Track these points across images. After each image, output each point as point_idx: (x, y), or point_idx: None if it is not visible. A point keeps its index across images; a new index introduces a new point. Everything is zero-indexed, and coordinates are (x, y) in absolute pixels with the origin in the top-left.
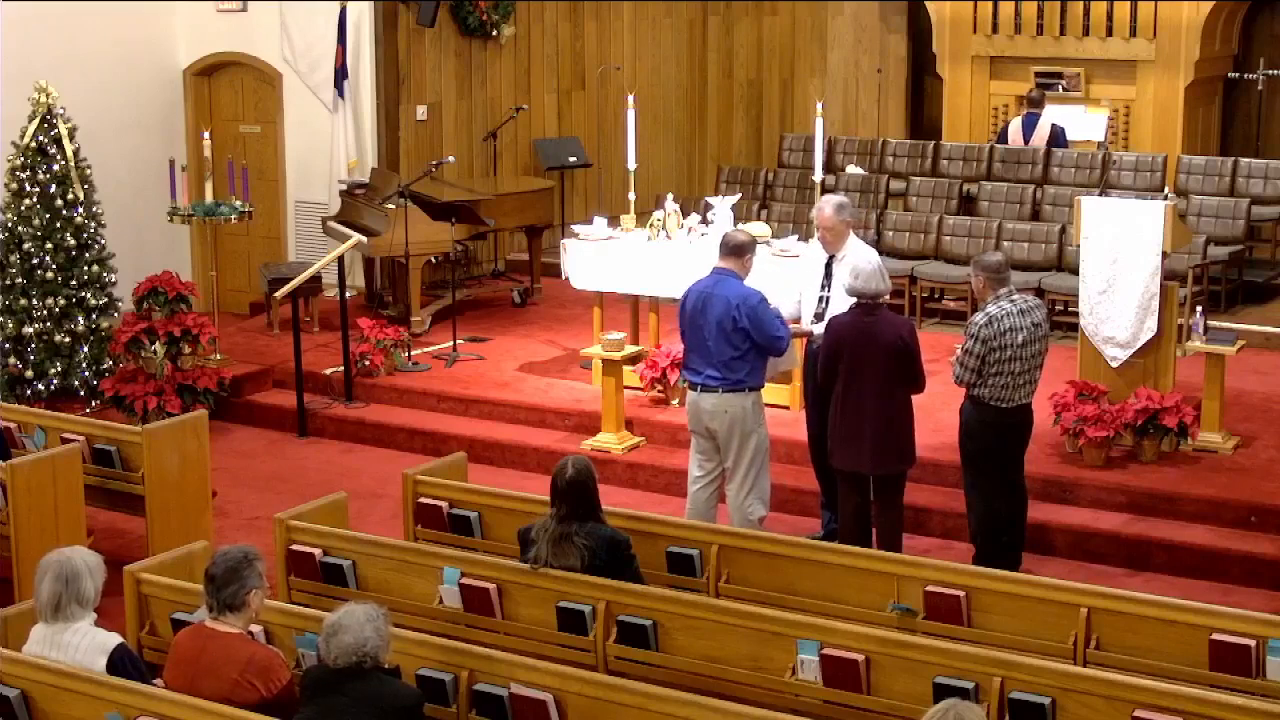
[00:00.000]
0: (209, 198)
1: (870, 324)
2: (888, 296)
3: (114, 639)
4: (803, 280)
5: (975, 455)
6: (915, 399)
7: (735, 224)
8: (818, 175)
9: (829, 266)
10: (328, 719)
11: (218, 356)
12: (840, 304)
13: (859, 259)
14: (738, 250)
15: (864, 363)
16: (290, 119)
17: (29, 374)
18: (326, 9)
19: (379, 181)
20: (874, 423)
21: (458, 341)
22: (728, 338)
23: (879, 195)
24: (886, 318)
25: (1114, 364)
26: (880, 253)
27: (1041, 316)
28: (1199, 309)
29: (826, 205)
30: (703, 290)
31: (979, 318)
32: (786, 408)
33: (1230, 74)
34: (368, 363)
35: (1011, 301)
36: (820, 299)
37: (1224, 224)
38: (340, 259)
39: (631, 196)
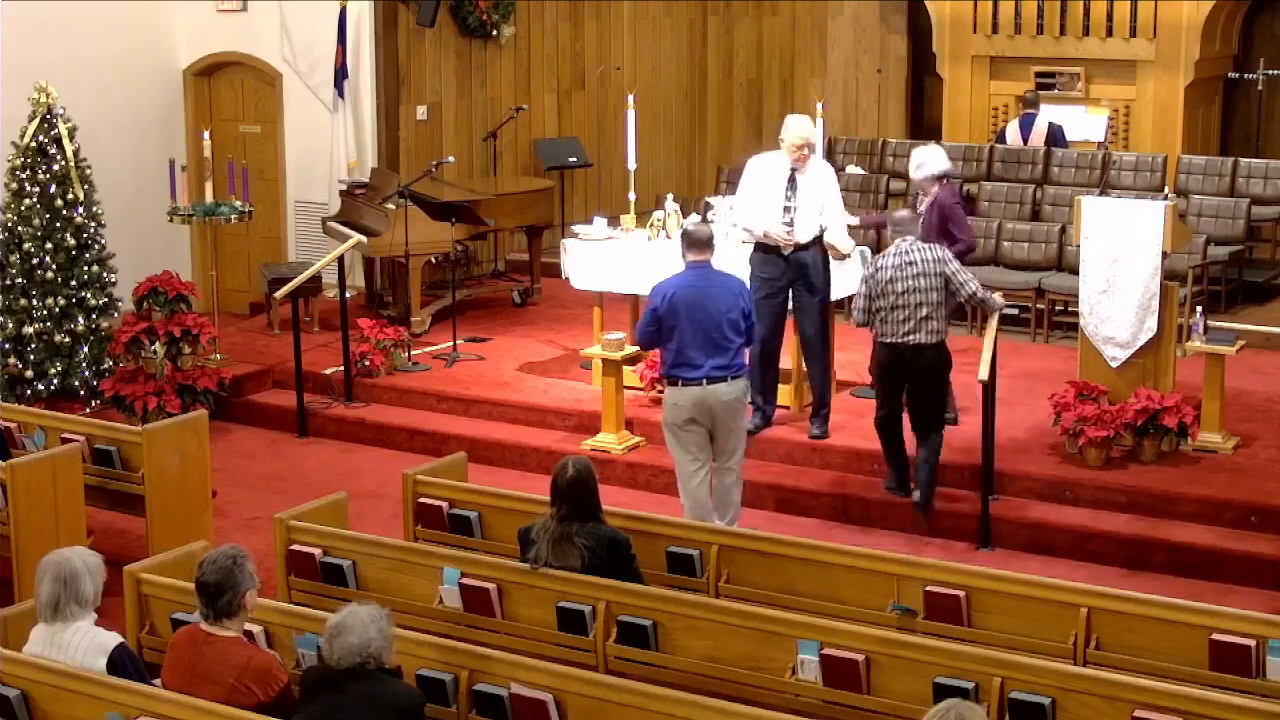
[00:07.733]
0: (209, 198)
1: (907, 251)
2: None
3: (114, 639)
4: (766, 189)
5: (877, 381)
6: None
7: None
8: None
9: (793, 179)
10: (329, 719)
11: (218, 356)
12: (807, 214)
13: (827, 177)
14: (710, 242)
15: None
16: (290, 119)
17: (29, 374)
18: (326, 9)
19: (379, 181)
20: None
21: (458, 341)
22: (735, 326)
23: (879, 195)
24: (920, 245)
25: (1114, 364)
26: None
27: (919, 258)
28: (1199, 309)
29: (804, 128)
30: (693, 284)
31: (868, 267)
32: (786, 407)
33: (1230, 74)
34: (368, 363)
35: (898, 252)
36: (786, 209)
37: (1224, 224)
38: (340, 259)
39: (631, 196)
